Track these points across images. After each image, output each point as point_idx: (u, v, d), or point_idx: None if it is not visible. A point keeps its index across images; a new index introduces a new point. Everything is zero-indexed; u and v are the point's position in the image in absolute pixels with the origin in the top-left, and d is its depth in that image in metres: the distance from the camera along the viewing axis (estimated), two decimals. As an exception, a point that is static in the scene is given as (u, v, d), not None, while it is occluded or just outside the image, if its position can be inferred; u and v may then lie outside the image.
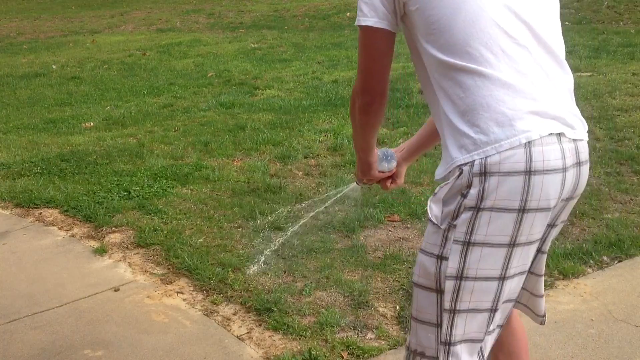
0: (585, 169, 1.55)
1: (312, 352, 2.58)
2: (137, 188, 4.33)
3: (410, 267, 3.21)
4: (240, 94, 7.21)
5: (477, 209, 1.45)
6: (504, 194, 1.43)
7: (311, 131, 5.52)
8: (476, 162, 1.43)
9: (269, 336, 2.74)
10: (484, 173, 1.43)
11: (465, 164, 1.45)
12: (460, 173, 1.46)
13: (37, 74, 9.14)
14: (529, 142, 1.42)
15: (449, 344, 1.53)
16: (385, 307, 2.91)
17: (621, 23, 10.36)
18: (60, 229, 3.90)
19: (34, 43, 12.69)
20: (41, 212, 4.12)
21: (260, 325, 2.83)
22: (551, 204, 1.48)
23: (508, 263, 1.49)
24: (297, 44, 10.57)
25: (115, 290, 3.18)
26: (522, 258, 1.53)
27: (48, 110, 7.01)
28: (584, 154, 1.54)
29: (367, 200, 3.99)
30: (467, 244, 1.47)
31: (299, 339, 2.71)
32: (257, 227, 3.68)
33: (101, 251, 3.57)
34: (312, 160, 4.84)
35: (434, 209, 1.52)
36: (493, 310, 1.54)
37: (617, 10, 11.27)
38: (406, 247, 3.42)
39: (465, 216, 1.46)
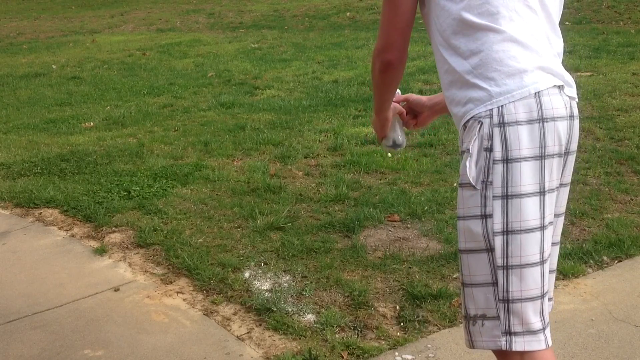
0: (577, 124, 1.66)
1: (312, 352, 2.59)
2: (137, 188, 4.33)
3: (410, 267, 3.21)
4: (240, 94, 7.21)
5: (506, 160, 1.53)
6: (526, 142, 1.53)
7: (311, 131, 5.52)
8: (494, 113, 1.53)
9: (269, 336, 2.74)
10: (503, 123, 1.53)
11: (484, 115, 1.54)
12: (481, 125, 1.54)
13: (37, 74, 9.14)
14: (538, 92, 1.54)
15: (507, 301, 1.57)
16: (385, 307, 2.91)
17: (621, 23, 10.36)
18: (60, 229, 3.90)
19: (34, 43, 12.69)
20: (41, 212, 4.12)
21: (260, 325, 2.83)
22: (563, 149, 1.60)
23: (543, 211, 1.57)
24: (297, 44, 10.57)
25: (115, 290, 3.18)
26: (551, 206, 1.60)
27: (48, 110, 7.01)
28: (576, 110, 1.66)
29: (367, 200, 3.99)
30: (506, 198, 1.54)
31: (299, 339, 2.71)
32: (257, 226, 3.68)
33: (101, 251, 3.57)
34: (312, 160, 4.84)
35: (473, 170, 1.56)
36: (542, 263, 1.58)
37: (617, 10, 11.27)
38: (406, 247, 3.42)
39: (497, 170, 1.53)
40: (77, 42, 12.45)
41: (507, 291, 1.57)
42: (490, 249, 1.57)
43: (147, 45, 11.40)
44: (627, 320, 2.77)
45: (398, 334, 2.73)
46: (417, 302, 2.91)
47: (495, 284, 1.58)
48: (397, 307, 2.90)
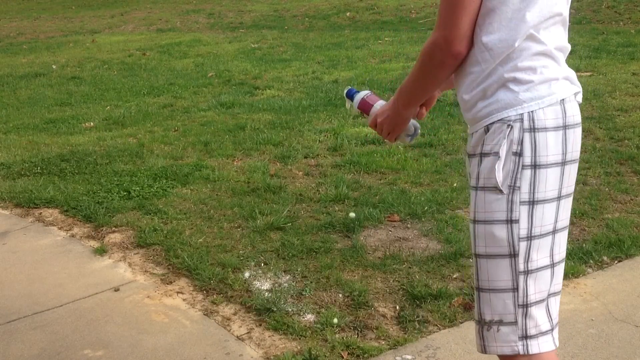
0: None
1: (312, 352, 2.59)
2: (137, 188, 4.33)
3: (410, 267, 3.21)
4: (240, 94, 7.21)
5: (534, 166, 1.53)
6: (552, 149, 1.55)
7: (311, 131, 5.52)
8: (525, 118, 1.53)
9: (269, 336, 2.74)
10: (533, 129, 1.53)
11: (514, 119, 1.53)
12: (510, 129, 1.53)
13: (37, 74, 9.15)
14: (563, 100, 1.57)
15: (526, 306, 1.58)
16: (385, 307, 2.91)
17: (621, 23, 10.36)
18: (60, 229, 3.90)
19: (34, 43, 12.69)
20: (41, 212, 4.12)
21: (260, 325, 2.83)
22: (578, 155, 1.64)
23: (557, 215, 1.59)
24: (297, 44, 10.57)
25: (115, 290, 3.18)
26: (566, 211, 1.63)
27: (48, 110, 7.02)
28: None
29: (367, 200, 3.99)
30: (532, 203, 1.54)
31: (299, 339, 2.71)
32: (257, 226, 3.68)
33: (101, 251, 3.57)
34: (312, 160, 4.84)
35: (501, 174, 1.53)
36: (552, 265, 1.61)
37: (617, 10, 11.27)
38: (406, 247, 3.42)
39: (525, 176, 1.53)
40: (77, 42, 12.45)
41: (527, 296, 1.57)
42: (513, 255, 1.56)
43: (147, 45, 11.40)
44: (627, 320, 2.77)
45: (398, 334, 2.73)
46: (417, 302, 2.91)
47: (515, 289, 1.57)
48: (397, 307, 2.90)
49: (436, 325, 2.77)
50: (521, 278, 1.56)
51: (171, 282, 3.22)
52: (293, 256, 3.36)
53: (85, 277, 3.33)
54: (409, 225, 3.69)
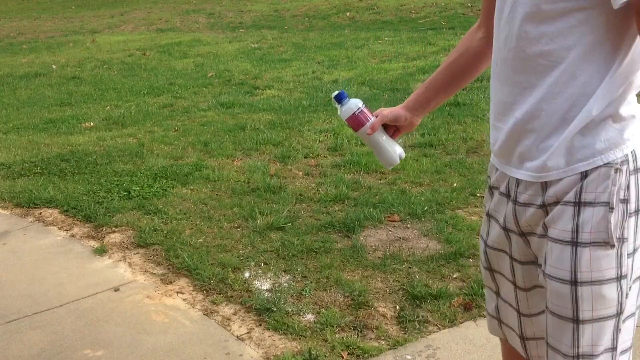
0: None
1: (312, 352, 2.59)
2: (137, 188, 4.33)
3: (410, 267, 3.21)
4: (240, 94, 7.21)
5: (638, 212, 1.35)
6: None
7: (311, 131, 5.52)
8: (630, 158, 1.32)
9: (269, 336, 2.74)
10: (637, 170, 1.33)
11: (620, 162, 1.31)
12: (618, 173, 1.31)
13: (37, 74, 9.15)
14: None
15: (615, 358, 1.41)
16: (385, 307, 2.91)
17: (621, 23, 10.34)
18: (60, 229, 3.91)
19: (34, 43, 12.70)
20: (41, 212, 4.13)
21: (260, 325, 2.83)
22: None
23: None
24: (297, 44, 10.57)
25: (115, 290, 3.18)
26: None
27: (48, 110, 7.02)
28: None
29: (367, 200, 3.99)
30: (634, 252, 1.36)
31: (299, 339, 2.71)
32: (257, 226, 3.68)
33: (101, 251, 3.57)
34: (312, 160, 4.84)
35: (612, 225, 1.32)
36: (633, 314, 1.43)
37: (617, 10, 11.26)
38: (406, 247, 3.42)
39: (631, 224, 1.34)
40: (77, 42, 12.45)
41: (616, 348, 1.39)
42: (620, 313, 1.36)
43: (147, 45, 11.41)
44: (627, 320, 2.77)
45: (398, 334, 2.73)
46: (417, 302, 2.91)
47: (614, 348, 1.38)
48: (397, 307, 2.90)
49: (436, 325, 2.77)
50: (618, 334, 1.38)
51: (171, 282, 3.22)
52: (293, 256, 3.36)
53: (85, 277, 3.33)
54: (408, 225, 3.69)
